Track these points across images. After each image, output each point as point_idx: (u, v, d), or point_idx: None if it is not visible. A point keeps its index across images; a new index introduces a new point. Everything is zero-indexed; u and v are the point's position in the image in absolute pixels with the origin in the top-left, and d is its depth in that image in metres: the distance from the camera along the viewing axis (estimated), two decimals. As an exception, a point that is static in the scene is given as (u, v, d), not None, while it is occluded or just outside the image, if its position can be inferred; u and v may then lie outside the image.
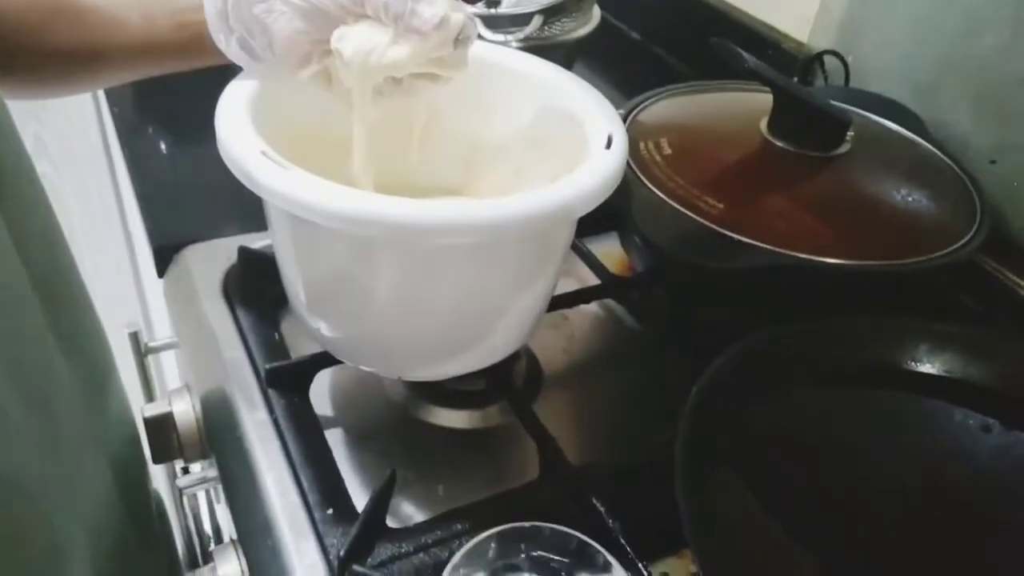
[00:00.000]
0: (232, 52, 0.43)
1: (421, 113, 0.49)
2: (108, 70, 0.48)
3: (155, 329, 0.92)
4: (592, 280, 0.62)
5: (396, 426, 0.53)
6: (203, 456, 0.56)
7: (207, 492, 0.71)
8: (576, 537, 0.38)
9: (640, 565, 0.40)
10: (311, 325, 0.48)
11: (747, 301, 0.53)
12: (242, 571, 0.47)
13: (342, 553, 0.40)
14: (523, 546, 0.38)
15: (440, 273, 0.42)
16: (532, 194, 0.40)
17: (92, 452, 0.48)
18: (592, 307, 0.62)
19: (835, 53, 0.71)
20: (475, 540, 0.38)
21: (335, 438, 0.51)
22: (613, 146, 0.44)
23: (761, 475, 0.42)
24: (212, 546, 0.64)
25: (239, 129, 0.40)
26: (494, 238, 0.40)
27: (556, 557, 0.38)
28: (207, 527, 0.71)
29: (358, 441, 0.51)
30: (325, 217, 0.38)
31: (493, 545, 0.38)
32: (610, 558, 0.38)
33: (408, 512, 0.47)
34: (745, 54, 0.51)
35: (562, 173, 0.42)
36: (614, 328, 0.62)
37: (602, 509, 0.43)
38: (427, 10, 0.39)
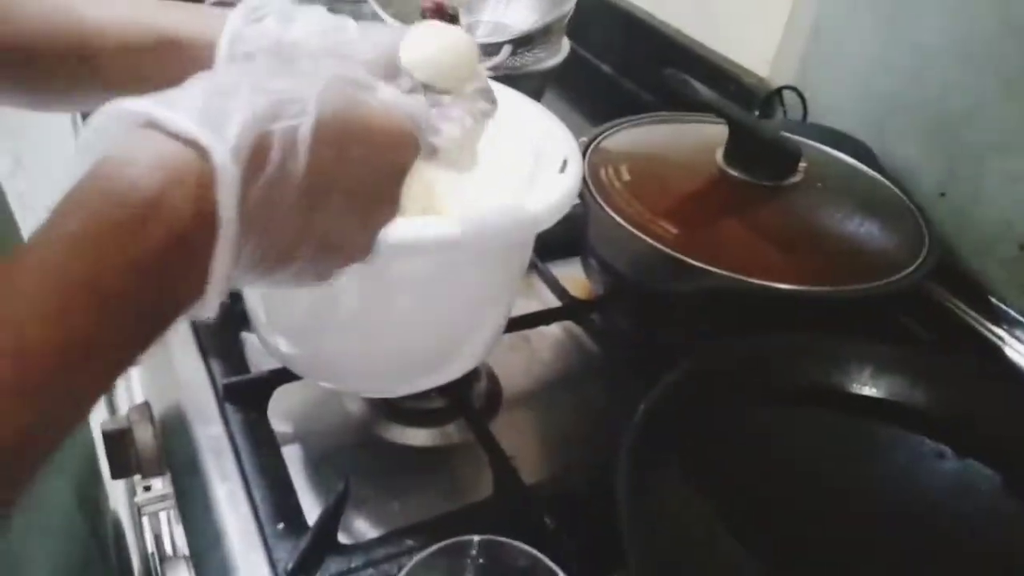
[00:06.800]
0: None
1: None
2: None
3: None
4: (554, 303, 0.63)
5: (355, 443, 0.53)
6: (160, 472, 0.56)
7: (168, 513, 0.70)
8: (524, 551, 0.39)
9: (586, 580, 0.41)
10: (270, 342, 0.49)
11: (701, 324, 0.55)
12: (193, 586, 0.47)
13: (289, 567, 0.40)
14: (472, 559, 0.39)
15: (397, 289, 0.43)
16: (485, 214, 0.41)
17: (52, 464, 0.48)
18: (553, 330, 0.63)
19: (793, 88, 0.73)
20: (424, 553, 0.39)
21: (293, 454, 0.51)
22: (567, 170, 0.45)
23: (707, 490, 0.43)
24: (170, 565, 0.64)
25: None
26: (444, 256, 0.41)
27: (504, 569, 0.39)
28: (168, 548, 0.71)
29: (317, 458, 0.52)
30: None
31: (442, 558, 0.39)
32: (558, 571, 0.38)
33: (362, 529, 0.47)
34: (698, 85, 0.53)
35: (522, 197, 0.44)
36: (575, 351, 0.62)
37: (552, 525, 0.44)
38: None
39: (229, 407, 0.49)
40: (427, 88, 0.44)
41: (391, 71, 0.43)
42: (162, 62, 0.44)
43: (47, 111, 0.49)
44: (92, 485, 0.54)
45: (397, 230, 0.40)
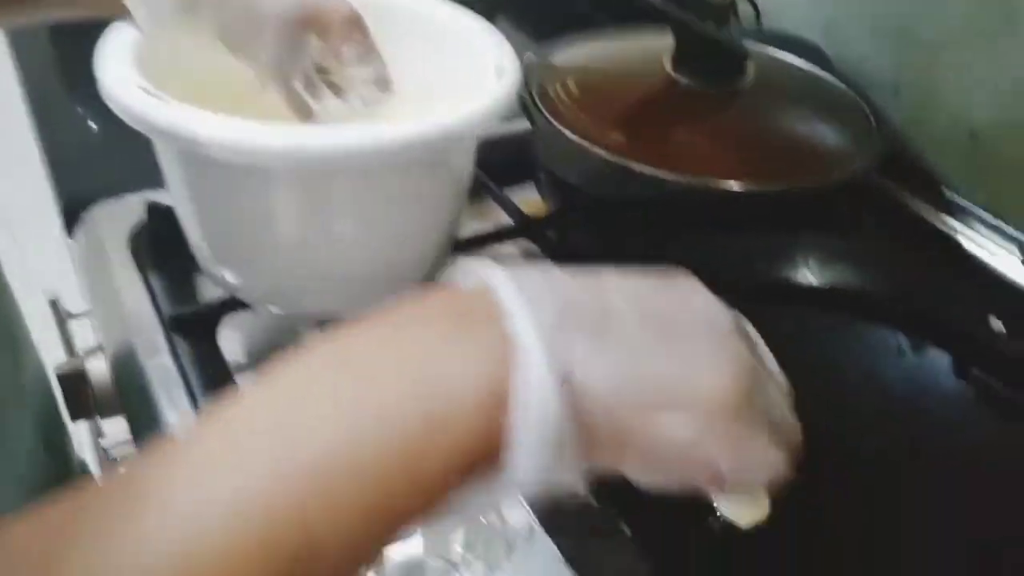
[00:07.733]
0: None
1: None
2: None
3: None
4: (509, 224, 0.62)
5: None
6: (118, 412, 0.55)
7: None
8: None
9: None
10: (215, 272, 0.48)
11: (655, 231, 0.54)
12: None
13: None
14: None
15: (333, 205, 0.42)
16: (417, 121, 0.40)
17: (15, 407, 0.47)
18: (509, 249, 0.62)
19: (746, -4, 0.72)
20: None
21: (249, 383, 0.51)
22: (503, 77, 0.44)
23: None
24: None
25: (118, 67, 0.40)
26: (377, 167, 0.40)
27: None
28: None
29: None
30: (209, 147, 0.38)
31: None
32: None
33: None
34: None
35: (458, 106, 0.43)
36: (531, 270, 0.62)
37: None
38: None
39: (177, 339, 0.49)
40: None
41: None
42: None
43: None
44: (55, 427, 0.54)
45: (328, 140, 0.39)
